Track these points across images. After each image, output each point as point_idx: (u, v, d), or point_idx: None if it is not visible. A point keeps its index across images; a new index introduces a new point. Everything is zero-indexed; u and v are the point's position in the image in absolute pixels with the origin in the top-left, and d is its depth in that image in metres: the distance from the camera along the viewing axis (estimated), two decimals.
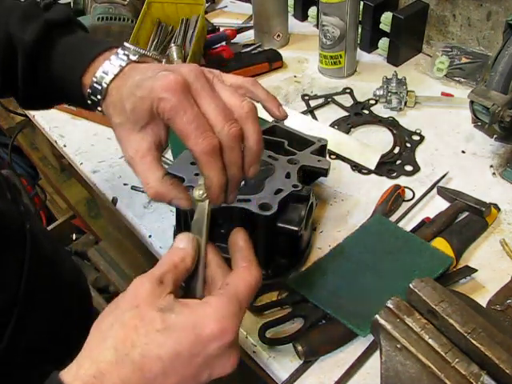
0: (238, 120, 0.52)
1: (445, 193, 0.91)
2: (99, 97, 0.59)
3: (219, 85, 0.55)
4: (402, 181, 0.95)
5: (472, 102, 0.92)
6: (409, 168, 0.98)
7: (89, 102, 0.60)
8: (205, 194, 0.60)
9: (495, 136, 0.95)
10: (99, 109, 0.60)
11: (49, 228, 1.84)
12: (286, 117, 0.62)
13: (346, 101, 1.15)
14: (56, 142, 1.10)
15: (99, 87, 0.58)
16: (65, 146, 1.08)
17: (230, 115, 0.52)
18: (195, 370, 0.44)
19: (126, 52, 0.59)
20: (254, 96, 0.61)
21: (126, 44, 0.61)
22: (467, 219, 0.85)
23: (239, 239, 0.54)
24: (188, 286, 0.53)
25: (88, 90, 0.60)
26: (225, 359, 0.46)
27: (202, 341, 0.44)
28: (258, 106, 0.57)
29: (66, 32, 0.65)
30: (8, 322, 0.58)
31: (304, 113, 1.11)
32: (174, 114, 0.50)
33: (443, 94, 1.13)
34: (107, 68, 0.58)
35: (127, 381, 0.42)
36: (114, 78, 0.57)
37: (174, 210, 0.86)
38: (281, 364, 0.70)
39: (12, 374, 0.60)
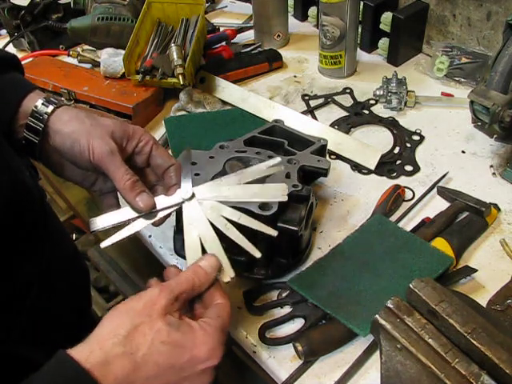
0: None
1: (445, 193, 0.91)
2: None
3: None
4: (402, 181, 0.95)
5: (472, 102, 0.92)
6: (409, 168, 0.98)
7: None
8: (189, 194, 0.64)
9: (495, 136, 0.95)
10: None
11: None
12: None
13: (346, 101, 1.15)
14: None
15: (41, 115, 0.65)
16: None
17: None
18: (178, 380, 0.53)
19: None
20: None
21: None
22: (467, 219, 0.85)
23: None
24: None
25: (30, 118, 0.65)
26: (203, 377, 0.54)
27: (194, 361, 0.53)
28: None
29: None
30: (32, 285, 0.62)
31: (304, 113, 1.10)
32: None
33: (443, 93, 1.13)
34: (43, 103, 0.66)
35: (125, 374, 0.49)
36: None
37: None
38: (281, 364, 0.70)
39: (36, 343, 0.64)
